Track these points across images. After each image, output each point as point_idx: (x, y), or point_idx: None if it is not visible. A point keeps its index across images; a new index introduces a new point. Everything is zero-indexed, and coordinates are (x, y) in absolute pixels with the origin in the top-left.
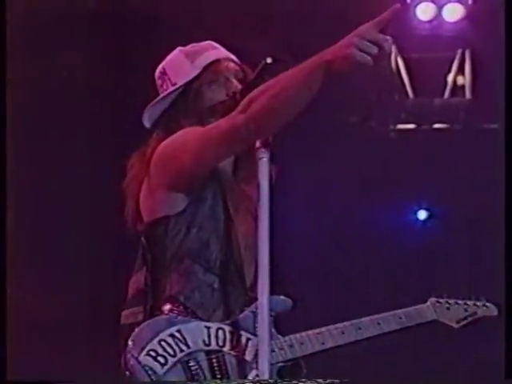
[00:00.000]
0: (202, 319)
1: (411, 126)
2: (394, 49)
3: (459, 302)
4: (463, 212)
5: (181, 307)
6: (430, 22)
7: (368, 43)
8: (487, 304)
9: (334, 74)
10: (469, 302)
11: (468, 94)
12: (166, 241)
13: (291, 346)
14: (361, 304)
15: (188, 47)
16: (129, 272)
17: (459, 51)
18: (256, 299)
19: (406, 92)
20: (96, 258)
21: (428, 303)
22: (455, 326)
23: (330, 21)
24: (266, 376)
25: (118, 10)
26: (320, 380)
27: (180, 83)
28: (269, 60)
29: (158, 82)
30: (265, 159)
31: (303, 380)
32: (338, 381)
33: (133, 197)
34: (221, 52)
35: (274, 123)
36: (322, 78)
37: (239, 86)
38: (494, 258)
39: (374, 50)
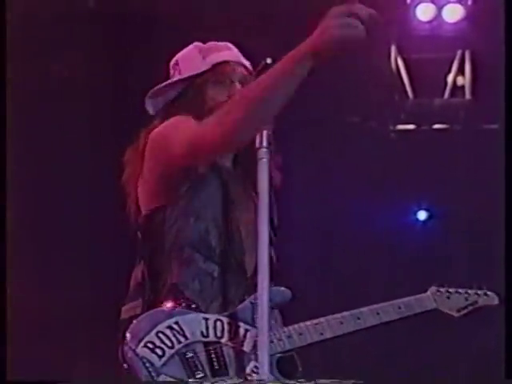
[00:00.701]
0: (201, 309)
1: (411, 126)
2: (393, 49)
3: (460, 290)
4: (463, 212)
5: (180, 298)
6: (429, 22)
7: (347, 17)
8: (488, 293)
9: (323, 61)
10: (470, 291)
11: (468, 95)
12: (164, 230)
13: (290, 336)
14: (360, 304)
15: (205, 44)
16: (129, 270)
17: (459, 52)
18: (254, 288)
19: (406, 92)
20: (96, 257)
21: (428, 292)
22: (455, 314)
23: None
24: (266, 368)
25: (118, 9)
26: (320, 380)
27: (188, 74)
28: (269, 60)
29: (171, 72)
30: (265, 160)
31: (301, 380)
32: (337, 380)
33: (133, 191)
34: (233, 54)
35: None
36: (309, 69)
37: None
38: (494, 259)
39: (356, 22)
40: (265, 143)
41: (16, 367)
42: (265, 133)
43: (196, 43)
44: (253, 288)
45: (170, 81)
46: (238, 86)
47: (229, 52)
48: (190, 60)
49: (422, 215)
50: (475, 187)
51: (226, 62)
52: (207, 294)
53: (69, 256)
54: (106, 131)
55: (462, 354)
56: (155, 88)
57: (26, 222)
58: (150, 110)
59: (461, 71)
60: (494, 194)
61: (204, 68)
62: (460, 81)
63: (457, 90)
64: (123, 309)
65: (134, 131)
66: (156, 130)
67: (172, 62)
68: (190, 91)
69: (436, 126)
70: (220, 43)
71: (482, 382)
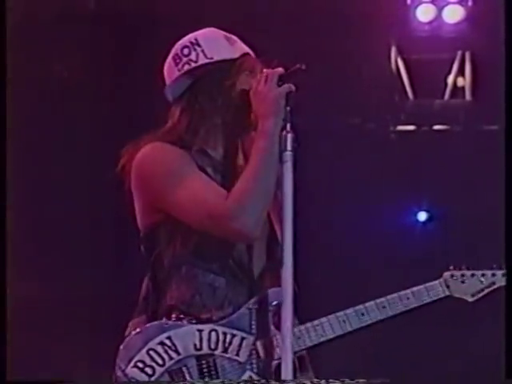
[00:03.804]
0: (204, 322)
1: (411, 127)
2: (393, 50)
3: (475, 272)
4: (463, 213)
5: (180, 316)
6: (430, 23)
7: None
8: (505, 272)
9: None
10: (486, 272)
11: (468, 96)
12: (161, 248)
13: None
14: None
15: (223, 31)
16: (129, 272)
17: (459, 52)
18: (260, 291)
19: (406, 93)
20: (97, 257)
21: (441, 279)
22: (470, 299)
23: (331, 20)
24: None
25: (118, 10)
26: (316, 380)
27: (218, 58)
28: (303, 66)
29: (184, 51)
30: (289, 163)
31: (299, 380)
32: (338, 381)
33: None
34: (248, 48)
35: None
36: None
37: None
38: (495, 261)
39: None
40: (289, 146)
41: (16, 367)
42: (289, 136)
43: (214, 28)
44: (259, 290)
45: (197, 64)
46: (258, 77)
47: (245, 45)
48: (217, 42)
49: (422, 216)
50: (475, 188)
51: (249, 54)
52: (211, 306)
53: (69, 256)
54: (107, 131)
55: (462, 353)
56: (178, 74)
57: (26, 222)
58: (170, 97)
59: (461, 72)
60: (495, 195)
61: (235, 55)
62: (460, 82)
63: (457, 90)
64: (130, 323)
65: (134, 131)
66: (141, 160)
67: (188, 41)
68: (218, 76)
69: (436, 127)
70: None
71: (482, 382)
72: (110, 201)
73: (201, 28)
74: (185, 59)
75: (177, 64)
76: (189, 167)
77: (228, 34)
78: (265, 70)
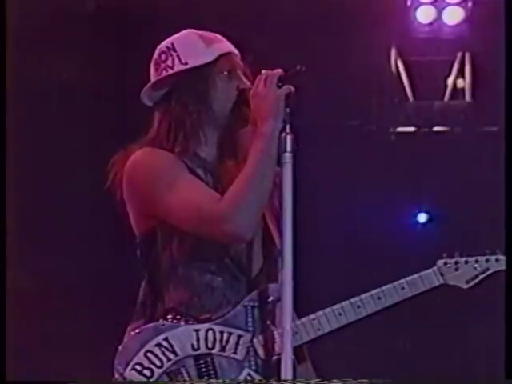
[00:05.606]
0: (202, 322)
1: (411, 128)
2: (393, 51)
3: (469, 259)
4: (463, 215)
5: (177, 316)
6: (430, 24)
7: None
8: (500, 257)
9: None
10: (479, 258)
11: (468, 97)
12: (158, 251)
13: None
14: None
15: (200, 32)
16: (129, 273)
17: (459, 54)
18: (259, 287)
19: (406, 95)
20: (97, 258)
21: (434, 267)
22: (464, 286)
23: (331, 22)
24: (290, 377)
25: (117, 11)
26: (317, 380)
27: (192, 64)
28: (303, 68)
29: (162, 57)
30: (289, 164)
31: (298, 380)
32: (336, 380)
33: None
34: (231, 46)
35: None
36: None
37: (248, 83)
38: (488, 248)
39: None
40: (288, 148)
41: (16, 367)
42: (288, 137)
43: (192, 30)
44: (257, 287)
45: (172, 71)
46: (243, 77)
47: (228, 44)
48: (192, 46)
49: (422, 218)
50: (475, 189)
51: (229, 53)
52: (210, 306)
53: (69, 257)
54: (107, 132)
55: (460, 350)
56: (153, 81)
57: (26, 223)
58: (148, 102)
59: (461, 74)
60: (495, 196)
61: (211, 57)
62: (460, 83)
63: (457, 92)
64: (128, 328)
65: (134, 132)
66: (133, 164)
67: (164, 46)
68: (198, 79)
69: (436, 129)
70: (212, 33)
71: (482, 382)
72: (109, 204)
73: (201, 28)
74: (162, 65)
75: (156, 69)
76: (179, 171)
77: (206, 34)
78: (264, 71)
